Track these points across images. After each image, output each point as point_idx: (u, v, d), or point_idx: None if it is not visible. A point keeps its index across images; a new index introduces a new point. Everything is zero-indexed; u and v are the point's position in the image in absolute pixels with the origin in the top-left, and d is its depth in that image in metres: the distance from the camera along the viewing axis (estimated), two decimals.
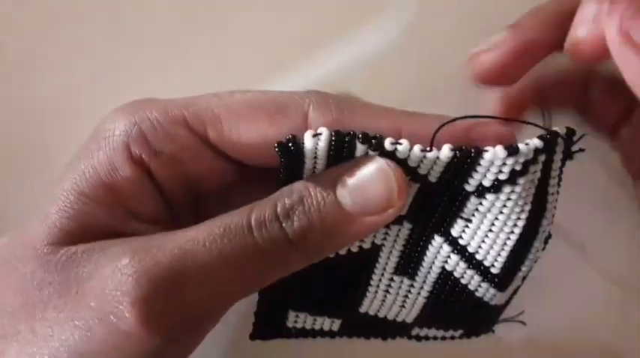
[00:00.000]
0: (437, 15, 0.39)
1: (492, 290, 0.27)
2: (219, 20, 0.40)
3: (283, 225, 0.23)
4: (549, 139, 0.24)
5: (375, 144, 0.24)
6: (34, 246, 0.23)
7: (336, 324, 0.30)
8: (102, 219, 0.24)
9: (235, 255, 0.23)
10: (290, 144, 0.24)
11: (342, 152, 0.24)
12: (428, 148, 0.24)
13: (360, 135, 0.24)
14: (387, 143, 0.24)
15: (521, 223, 0.25)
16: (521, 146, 0.24)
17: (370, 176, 0.24)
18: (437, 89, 0.34)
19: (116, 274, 0.21)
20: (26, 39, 0.38)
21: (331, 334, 0.31)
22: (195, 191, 0.26)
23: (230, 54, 0.38)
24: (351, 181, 0.24)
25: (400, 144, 0.24)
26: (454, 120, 0.25)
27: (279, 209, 0.23)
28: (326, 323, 0.30)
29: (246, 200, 0.24)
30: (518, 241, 0.25)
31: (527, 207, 0.25)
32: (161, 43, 0.39)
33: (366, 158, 0.24)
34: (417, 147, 0.24)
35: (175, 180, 0.25)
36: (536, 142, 0.24)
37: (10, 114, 0.37)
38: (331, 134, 0.24)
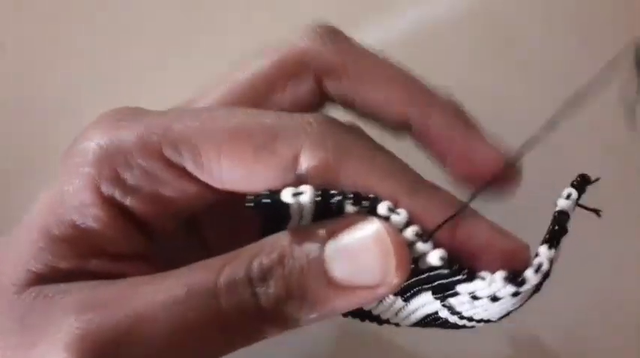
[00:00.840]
0: (438, 15, 0.39)
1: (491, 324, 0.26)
2: (220, 20, 0.40)
3: (257, 290, 0.20)
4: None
5: (368, 207, 0.21)
6: (4, 283, 0.22)
7: None
8: (69, 258, 0.22)
9: (197, 323, 0.20)
10: (265, 201, 0.21)
11: (331, 208, 0.21)
12: (424, 236, 0.21)
13: (351, 196, 0.21)
14: (383, 208, 0.21)
15: (520, 303, 0.23)
16: (529, 275, 0.21)
17: (364, 242, 0.20)
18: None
19: (57, 340, 0.20)
20: (26, 39, 0.38)
21: None
22: (184, 216, 0.24)
23: (230, 54, 0.38)
24: (342, 244, 0.20)
25: (398, 214, 0.21)
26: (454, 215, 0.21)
27: (254, 269, 0.20)
28: None
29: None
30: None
31: (530, 292, 0.22)
32: (161, 42, 0.39)
33: (361, 217, 0.21)
34: (411, 230, 0.21)
35: (156, 213, 0.22)
36: (544, 267, 0.21)
37: (10, 114, 0.37)
38: (315, 194, 0.21)
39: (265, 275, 0.20)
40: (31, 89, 0.37)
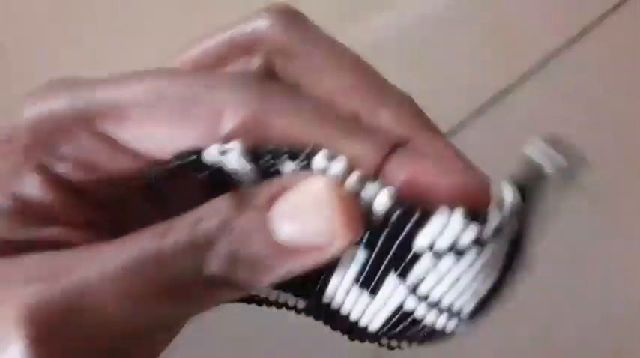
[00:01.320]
0: (437, 14, 0.38)
1: (462, 325, 0.24)
2: (220, 20, 0.39)
3: (203, 255, 0.20)
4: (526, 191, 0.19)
5: (305, 160, 0.19)
6: None
7: (301, 303, 0.27)
8: (16, 230, 0.21)
9: (144, 291, 0.20)
10: (191, 159, 0.20)
11: (269, 168, 0.20)
12: (370, 178, 0.19)
13: (285, 151, 0.19)
14: (319, 159, 0.19)
15: (491, 280, 0.21)
16: (493, 214, 0.19)
17: (308, 201, 0.19)
18: (436, 88, 0.34)
19: (6, 315, 0.19)
20: (26, 39, 0.38)
21: (296, 310, 0.28)
22: (133, 185, 0.23)
23: None
24: (287, 205, 0.20)
25: (337, 161, 0.19)
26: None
27: (198, 235, 0.20)
28: (290, 300, 0.27)
29: None
30: (490, 291, 0.22)
31: (500, 264, 0.21)
32: (162, 42, 0.38)
33: (300, 175, 0.19)
34: (355, 176, 0.19)
35: (95, 182, 0.22)
36: (508, 202, 0.19)
37: (10, 114, 0.37)
38: (245, 150, 0.19)
39: (210, 240, 0.20)
40: (31, 89, 0.37)
